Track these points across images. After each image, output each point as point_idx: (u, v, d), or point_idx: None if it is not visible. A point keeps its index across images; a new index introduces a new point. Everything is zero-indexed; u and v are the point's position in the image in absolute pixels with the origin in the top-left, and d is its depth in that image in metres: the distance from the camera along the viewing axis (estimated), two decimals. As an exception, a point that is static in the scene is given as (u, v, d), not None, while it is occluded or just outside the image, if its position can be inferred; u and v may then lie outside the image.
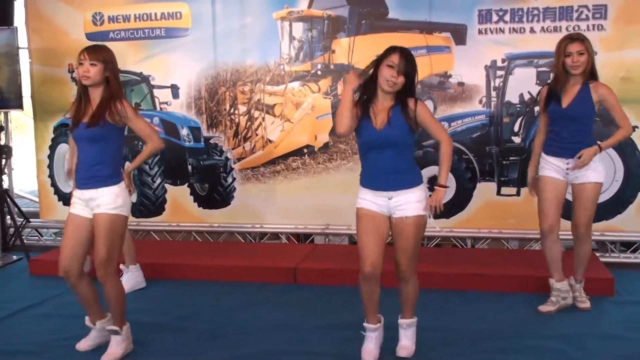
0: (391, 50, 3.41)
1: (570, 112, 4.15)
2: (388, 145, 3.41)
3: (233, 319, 4.43)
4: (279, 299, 4.82)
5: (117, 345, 3.76)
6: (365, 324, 3.66)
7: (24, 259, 5.95)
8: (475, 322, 4.24)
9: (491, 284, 4.86)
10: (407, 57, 3.38)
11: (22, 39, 6.27)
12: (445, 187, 3.49)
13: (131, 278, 5.03)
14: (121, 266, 4.95)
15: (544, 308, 4.36)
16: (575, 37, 4.14)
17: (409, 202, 3.44)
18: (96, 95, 3.61)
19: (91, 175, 3.59)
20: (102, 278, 3.64)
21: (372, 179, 3.49)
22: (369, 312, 3.63)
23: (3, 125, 6.62)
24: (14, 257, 6.17)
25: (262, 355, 3.81)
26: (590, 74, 4.16)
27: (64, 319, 4.44)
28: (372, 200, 3.49)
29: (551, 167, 4.27)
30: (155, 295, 4.97)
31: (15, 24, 6.39)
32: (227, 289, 5.06)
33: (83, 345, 3.89)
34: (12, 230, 6.52)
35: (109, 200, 3.57)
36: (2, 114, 6.60)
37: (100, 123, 3.53)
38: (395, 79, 3.36)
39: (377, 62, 3.42)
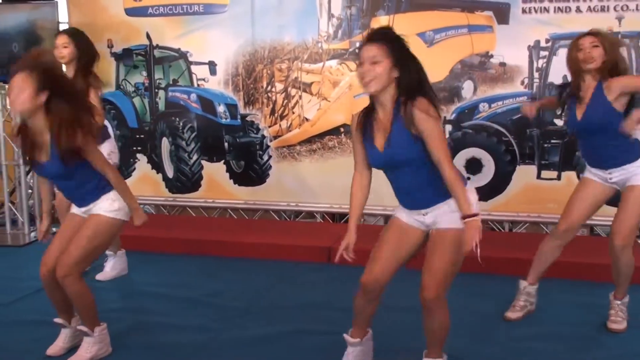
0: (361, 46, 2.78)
1: (584, 124, 3.63)
2: (398, 166, 2.84)
3: (264, 297, 4.45)
4: (311, 278, 4.82)
5: (87, 348, 3.44)
6: (345, 336, 3.18)
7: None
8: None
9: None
10: (380, 38, 2.73)
11: (63, 14, 6.31)
12: (476, 214, 2.73)
13: (118, 264, 4.84)
14: (107, 251, 4.71)
15: (512, 315, 3.98)
16: (588, 32, 3.59)
17: (444, 214, 2.86)
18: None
19: (82, 197, 3.37)
20: (63, 279, 3.27)
21: (400, 198, 3.00)
22: (354, 325, 3.15)
23: (44, 99, 6.71)
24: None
25: (289, 334, 3.81)
26: (611, 73, 3.55)
27: (102, 292, 4.48)
28: (408, 215, 3.00)
29: (593, 173, 3.80)
30: (189, 270, 5.01)
31: (56, -1, 6.45)
32: (260, 267, 5.07)
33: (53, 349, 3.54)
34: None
35: (106, 205, 3.34)
36: (43, 88, 6.68)
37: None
38: (368, 75, 2.67)
39: None
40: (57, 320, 3.56)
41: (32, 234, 6.11)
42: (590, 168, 3.83)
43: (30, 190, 6.46)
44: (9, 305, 4.33)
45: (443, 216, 2.87)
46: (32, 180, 6.43)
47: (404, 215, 3.01)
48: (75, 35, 4.58)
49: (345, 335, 3.21)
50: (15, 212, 6.35)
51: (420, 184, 2.85)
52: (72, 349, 3.54)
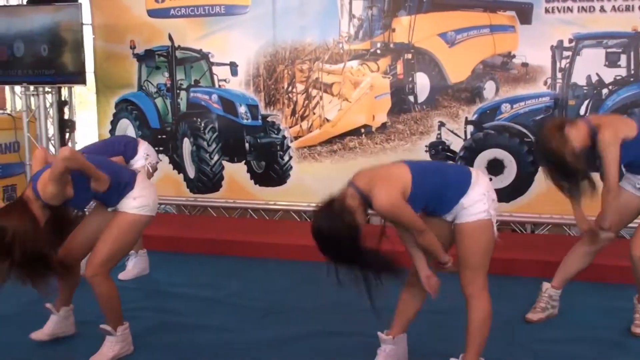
0: None
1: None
2: None
3: (286, 297, 4.44)
4: (333, 279, 4.79)
5: (110, 347, 3.45)
6: (379, 333, 3.33)
7: (85, 231, 6.08)
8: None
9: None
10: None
11: (86, 15, 6.38)
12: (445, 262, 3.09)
13: (139, 263, 4.87)
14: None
15: (533, 316, 3.96)
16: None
17: (460, 210, 3.05)
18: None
19: (108, 198, 3.39)
20: (91, 279, 3.30)
21: None
22: (394, 320, 3.33)
23: (67, 100, 6.78)
24: (76, 229, 6.33)
25: (310, 335, 3.80)
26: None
27: (124, 291, 4.51)
28: None
29: (629, 181, 3.79)
30: (210, 270, 5.03)
31: (79, 1, 6.50)
32: (282, 267, 5.08)
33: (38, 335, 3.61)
34: (74, 202, 6.69)
35: (130, 202, 3.34)
36: (66, 89, 6.76)
37: None
38: None
39: None
40: (48, 305, 3.59)
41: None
42: (627, 174, 3.81)
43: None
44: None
45: (460, 211, 3.05)
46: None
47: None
48: None
49: (379, 333, 3.31)
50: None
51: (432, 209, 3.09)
52: (59, 338, 3.66)
